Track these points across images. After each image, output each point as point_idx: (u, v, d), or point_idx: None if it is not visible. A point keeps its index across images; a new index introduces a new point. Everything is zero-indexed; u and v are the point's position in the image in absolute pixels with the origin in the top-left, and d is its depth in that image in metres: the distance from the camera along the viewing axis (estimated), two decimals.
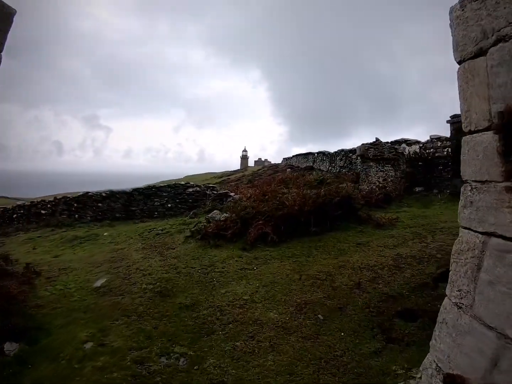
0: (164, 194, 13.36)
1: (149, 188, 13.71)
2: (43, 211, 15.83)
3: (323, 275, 6.53)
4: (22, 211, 16.55)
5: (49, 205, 15.72)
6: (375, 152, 13.32)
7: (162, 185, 13.66)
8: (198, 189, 12.99)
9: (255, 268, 7.06)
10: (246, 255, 7.71)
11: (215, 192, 12.74)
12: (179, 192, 13.17)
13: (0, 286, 6.78)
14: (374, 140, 13.86)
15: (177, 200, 13.16)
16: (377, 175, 13.37)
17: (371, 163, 13.46)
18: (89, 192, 14.72)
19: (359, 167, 18.95)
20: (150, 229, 11.03)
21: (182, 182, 13.41)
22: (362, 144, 14.05)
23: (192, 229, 9.46)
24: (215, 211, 10.39)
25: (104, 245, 10.42)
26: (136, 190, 13.74)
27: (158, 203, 13.42)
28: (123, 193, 13.94)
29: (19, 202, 17.00)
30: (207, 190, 12.82)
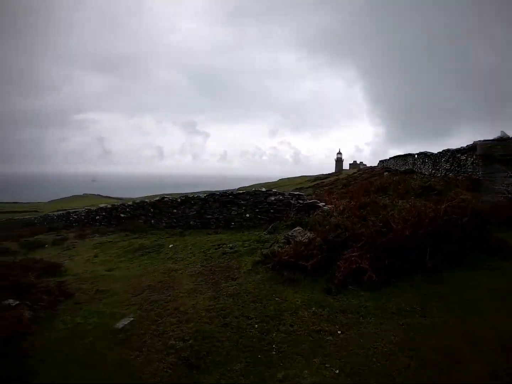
0: (242, 202, 11.25)
1: (226, 194, 11.74)
2: (122, 215, 15.07)
3: (448, 357, 3.55)
4: (104, 214, 16.12)
5: (128, 209, 14.90)
6: (503, 151, 9.40)
7: (240, 191, 11.58)
8: (281, 197, 10.59)
9: (339, 332, 4.27)
10: (330, 304, 4.94)
11: (301, 202, 10.19)
12: (259, 200, 10.93)
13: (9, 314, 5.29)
14: (500, 135, 9.90)
15: (257, 210, 10.92)
16: (505, 182, 9.42)
17: (498, 166, 9.52)
18: (165, 197, 13.40)
19: (469, 170, 14.69)
20: (218, 245, 8.97)
21: (263, 189, 11.13)
22: (484, 141, 10.14)
23: (264, 252, 7.07)
24: (297, 228, 7.86)
25: (163, 261, 8.67)
26: (211, 196, 11.90)
27: (236, 212, 11.36)
28: (198, 199, 12.23)
29: (102, 205, 16.65)
30: (292, 199, 10.34)
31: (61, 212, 20.91)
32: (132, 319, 5.19)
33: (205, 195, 12.08)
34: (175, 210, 12.91)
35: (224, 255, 7.98)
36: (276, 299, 5.22)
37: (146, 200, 14.16)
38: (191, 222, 12.39)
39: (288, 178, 60.83)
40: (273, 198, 10.58)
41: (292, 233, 7.61)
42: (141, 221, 14.05)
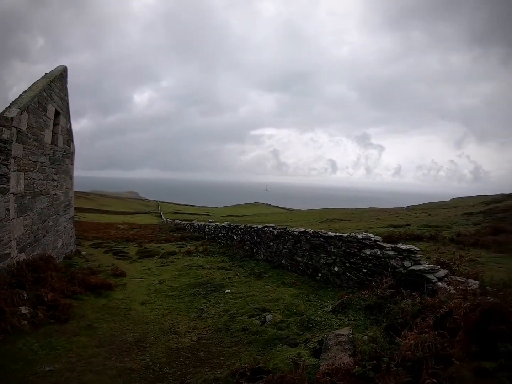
0: (332, 249, 8.50)
1: (317, 236, 9.12)
2: (235, 237, 14.23)
3: None
4: (224, 232, 15.77)
5: (239, 232, 13.94)
6: None
7: (332, 234, 8.74)
8: (378, 252, 7.33)
9: None
10: None
11: (407, 266, 6.77)
12: (351, 251, 7.95)
13: None
14: None
15: (347, 264, 7.97)
16: None
17: None
18: (266, 227, 11.71)
19: None
20: (263, 309, 6.63)
21: (360, 235, 8.00)
22: None
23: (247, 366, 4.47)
24: (344, 330, 4.92)
25: (191, 311, 6.92)
26: (304, 234, 9.51)
27: (324, 262, 8.67)
28: (291, 235, 10.01)
29: (224, 223, 16.31)
30: (395, 258, 7.01)
31: (201, 223, 22.03)
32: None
33: (299, 231, 9.82)
34: (271, 243, 11.07)
35: (241, 333, 5.60)
36: None
37: (254, 226, 12.84)
38: (283, 261, 10.28)
39: (463, 198, 50.95)
40: (368, 252, 7.51)
41: (329, 339, 4.68)
42: (247, 247, 12.85)
